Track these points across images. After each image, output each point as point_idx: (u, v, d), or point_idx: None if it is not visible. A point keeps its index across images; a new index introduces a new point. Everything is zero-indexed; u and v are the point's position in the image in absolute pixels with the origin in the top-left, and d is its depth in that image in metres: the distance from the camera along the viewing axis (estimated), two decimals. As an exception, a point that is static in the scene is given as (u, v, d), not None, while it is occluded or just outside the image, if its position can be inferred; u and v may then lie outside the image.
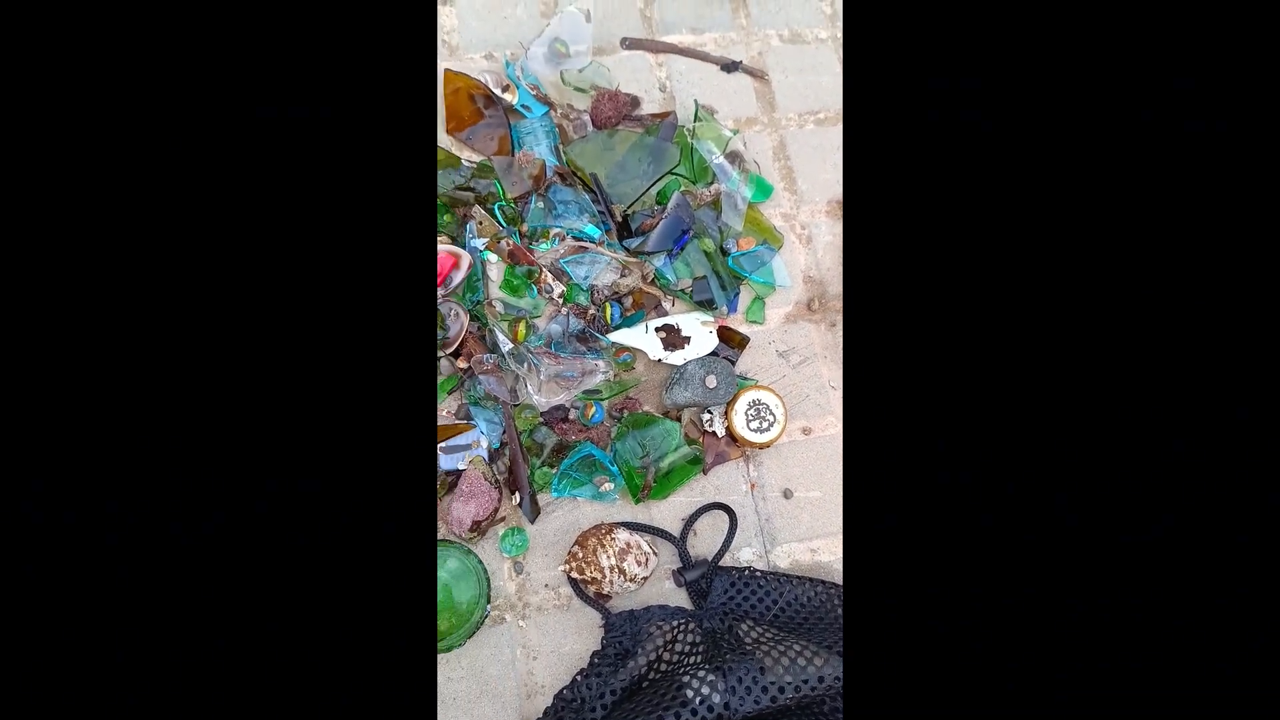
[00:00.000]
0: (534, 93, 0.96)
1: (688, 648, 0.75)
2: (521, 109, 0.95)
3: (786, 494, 0.88)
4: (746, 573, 0.81)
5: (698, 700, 0.67)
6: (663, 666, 0.75)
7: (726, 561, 0.84)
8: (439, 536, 0.79)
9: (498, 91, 0.94)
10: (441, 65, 0.98)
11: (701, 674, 0.69)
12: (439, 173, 0.90)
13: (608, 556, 0.76)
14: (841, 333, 0.95)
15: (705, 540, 0.84)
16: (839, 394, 0.93)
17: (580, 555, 0.77)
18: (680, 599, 0.81)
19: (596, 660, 0.75)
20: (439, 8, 1.01)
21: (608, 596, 0.79)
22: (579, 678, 0.75)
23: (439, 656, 0.76)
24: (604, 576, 0.76)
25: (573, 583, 0.79)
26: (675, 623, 0.77)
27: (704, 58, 1.05)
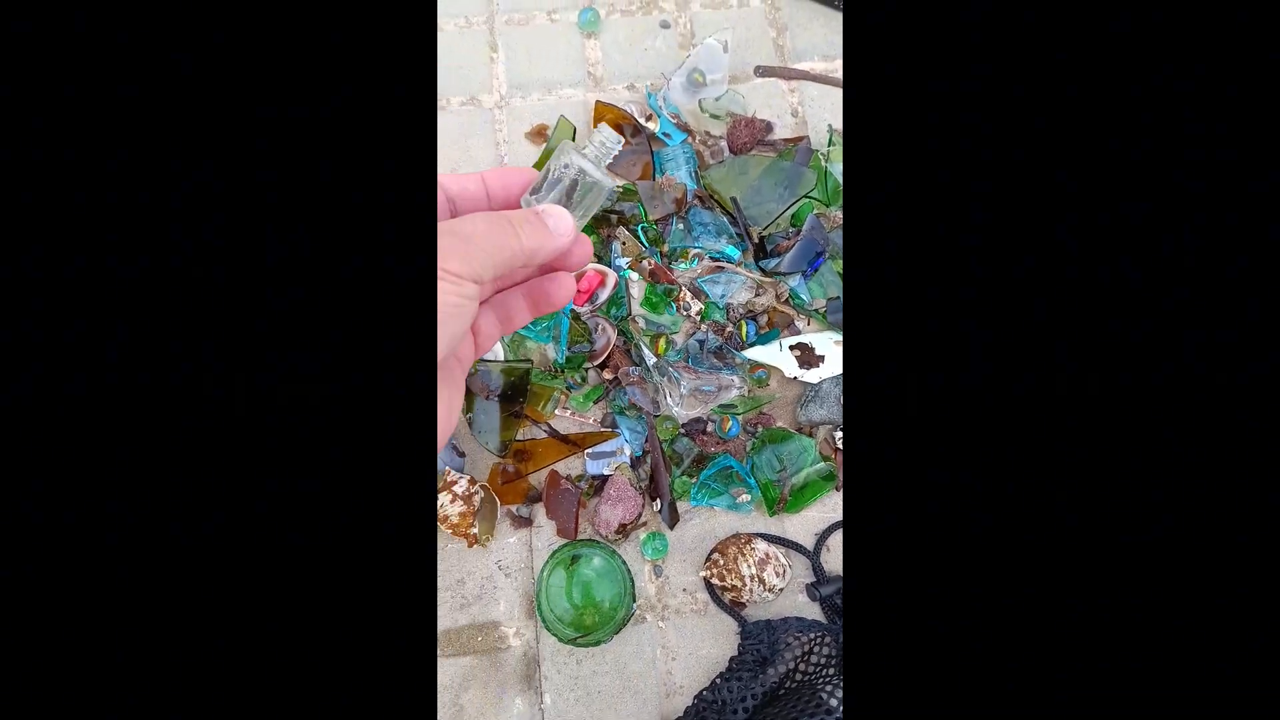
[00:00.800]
0: (674, 121, 1.02)
1: (823, 660, 0.77)
2: (663, 136, 1.00)
3: (920, 514, 0.88)
4: (881, 590, 0.83)
5: (840, 707, 0.69)
6: (799, 676, 0.77)
7: (860, 578, 0.85)
8: (585, 536, 0.85)
9: (642, 120, 1.00)
10: (589, 96, 1.05)
11: (839, 682, 0.71)
12: (588, 197, 0.96)
13: (748, 565, 0.79)
14: (976, 355, 0.95)
15: (838, 556, 0.86)
16: (973, 416, 0.93)
17: (721, 563, 0.80)
18: (814, 612, 0.83)
19: (735, 665, 0.79)
20: (586, 42, 1.08)
21: (744, 605, 0.82)
22: (719, 680, 0.78)
23: (587, 650, 0.81)
24: (744, 585, 0.79)
25: (710, 588, 0.82)
26: (812, 635, 0.79)
27: (835, 83, 1.07)
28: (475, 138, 1.03)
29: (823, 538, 0.86)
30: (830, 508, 0.88)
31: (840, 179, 0.98)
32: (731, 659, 0.80)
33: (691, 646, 0.82)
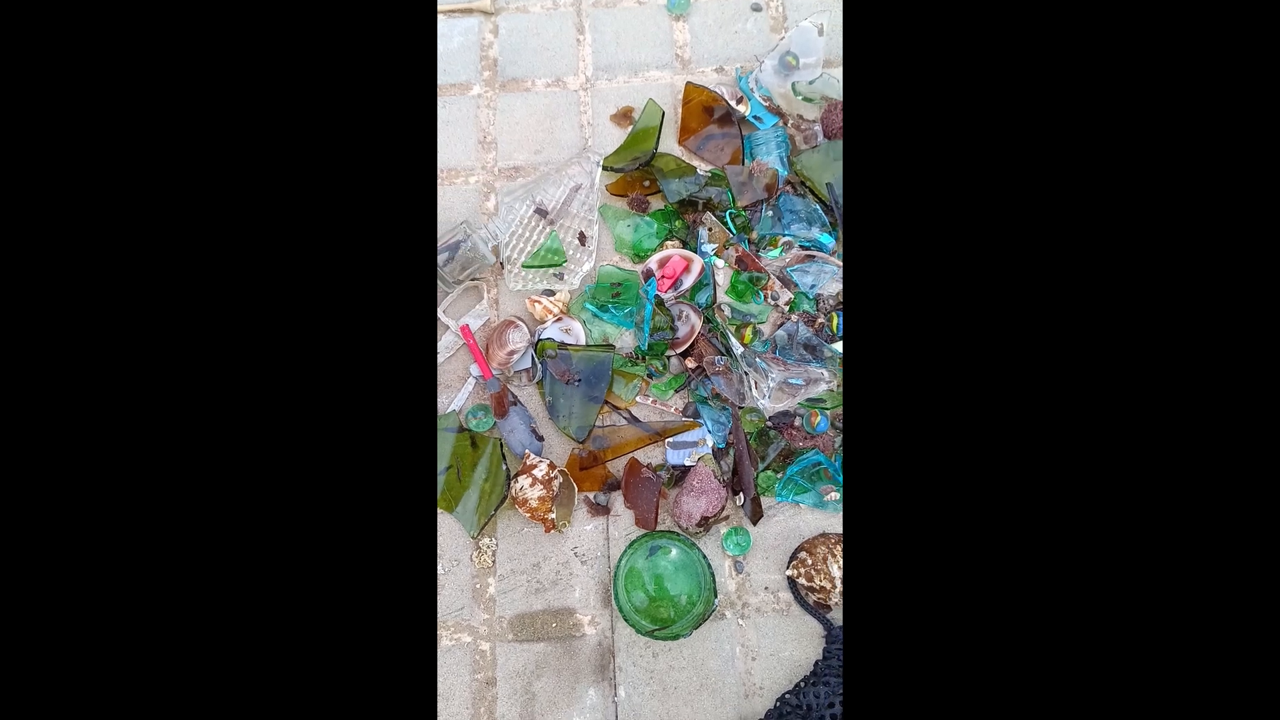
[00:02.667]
0: (765, 104, 0.98)
1: (916, 670, 0.73)
2: (754, 120, 0.97)
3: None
4: (978, 601, 0.78)
5: None
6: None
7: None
8: (665, 527, 0.82)
9: (733, 103, 0.97)
10: (675, 79, 1.03)
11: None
12: (675, 181, 0.94)
13: (839, 567, 0.75)
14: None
15: (930, 562, 0.81)
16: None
17: (810, 562, 0.77)
18: (903, 619, 0.79)
19: (821, 669, 0.75)
20: (674, 24, 1.06)
21: (829, 608, 0.79)
22: (803, 684, 0.74)
23: (664, 644, 0.79)
24: (833, 586, 0.75)
25: (795, 588, 0.79)
26: (904, 643, 0.74)
27: (937, 68, 1.02)
28: (560, 119, 1.02)
29: (915, 542, 0.81)
30: (923, 511, 0.83)
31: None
32: (816, 662, 0.76)
33: (773, 647, 0.79)
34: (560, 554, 0.83)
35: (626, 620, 0.78)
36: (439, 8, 1.07)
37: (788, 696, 0.74)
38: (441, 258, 0.89)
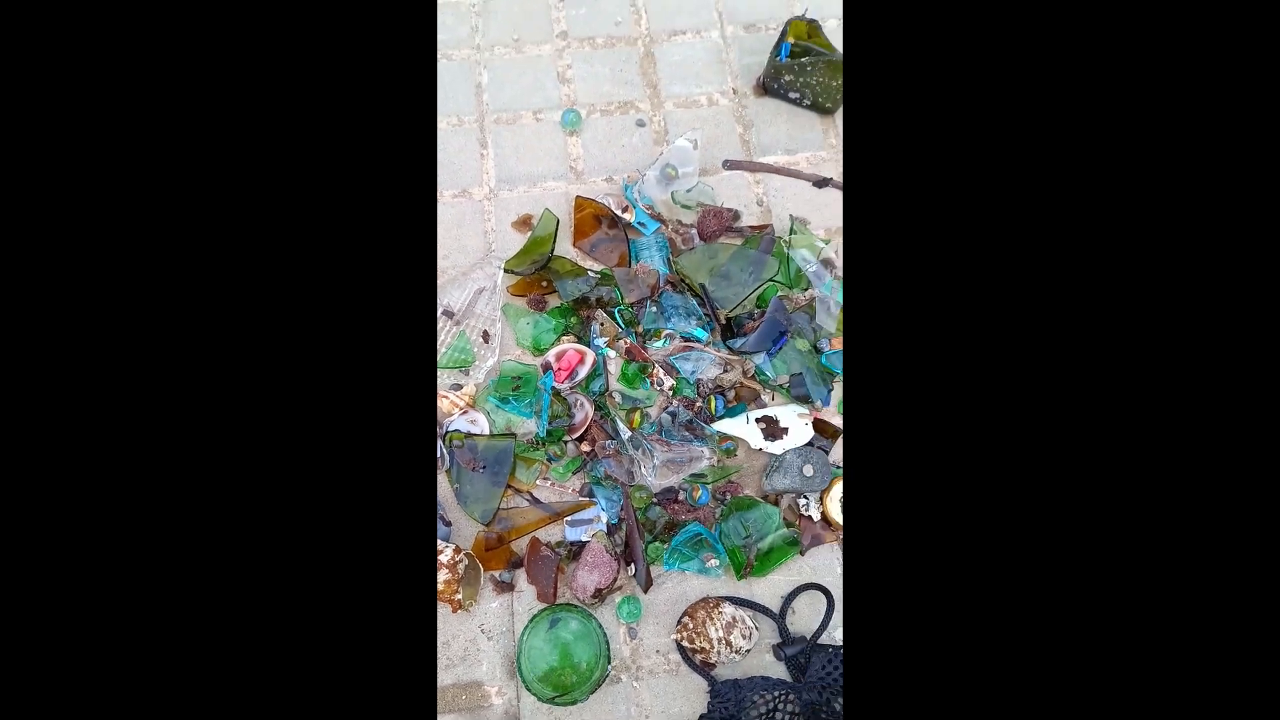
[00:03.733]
0: (648, 211, 1.12)
1: (788, 718, 0.82)
2: (638, 225, 1.10)
3: (878, 576, 0.94)
4: (841, 651, 0.88)
5: (800, 767, 0.74)
6: (765, 734, 0.82)
7: (824, 640, 0.90)
8: (564, 600, 0.90)
9: (619, 212, 1.10)
10: (570, 189, 1.15)
11: (802, 743, 0.76)
12: (570, 281, 1.05)
13: (716, 629, 0.85)
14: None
15: (803, 618, 0.92)
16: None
17: (691, 626, 0.86)
18: (780, 672, 0.88)
19: (704, 724, 0.83)
20: (568, 139, 1.19)
21: (713, 665, 0.88)
22: (688, 739, 0.83)
23: (565, 709, 0.86)
24: (712, 647, 0.85)
25: (682, 650, 0.88)
26: (776, 693, 0.84)
27: (798, 175, 1.17)
28: (465, 227, 1.12)
29: (788, 600, 0.91)
30: (795, 571, 0.94)
31: (800, 265, 1.07)
32: (701, 716, 0.84)
33: (664, 705, 0.87)
34: (468, 631, 0.90)
35: (529, 689, 0.85)
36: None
37: (675, 751, 0.82)
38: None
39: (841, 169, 1.19)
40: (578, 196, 1.11)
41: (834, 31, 1.29)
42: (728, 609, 0.87)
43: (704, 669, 0.87)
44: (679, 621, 0.88)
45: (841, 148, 1.21)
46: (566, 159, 1.18)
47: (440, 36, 1.26)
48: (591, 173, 1.17)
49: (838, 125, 1.22)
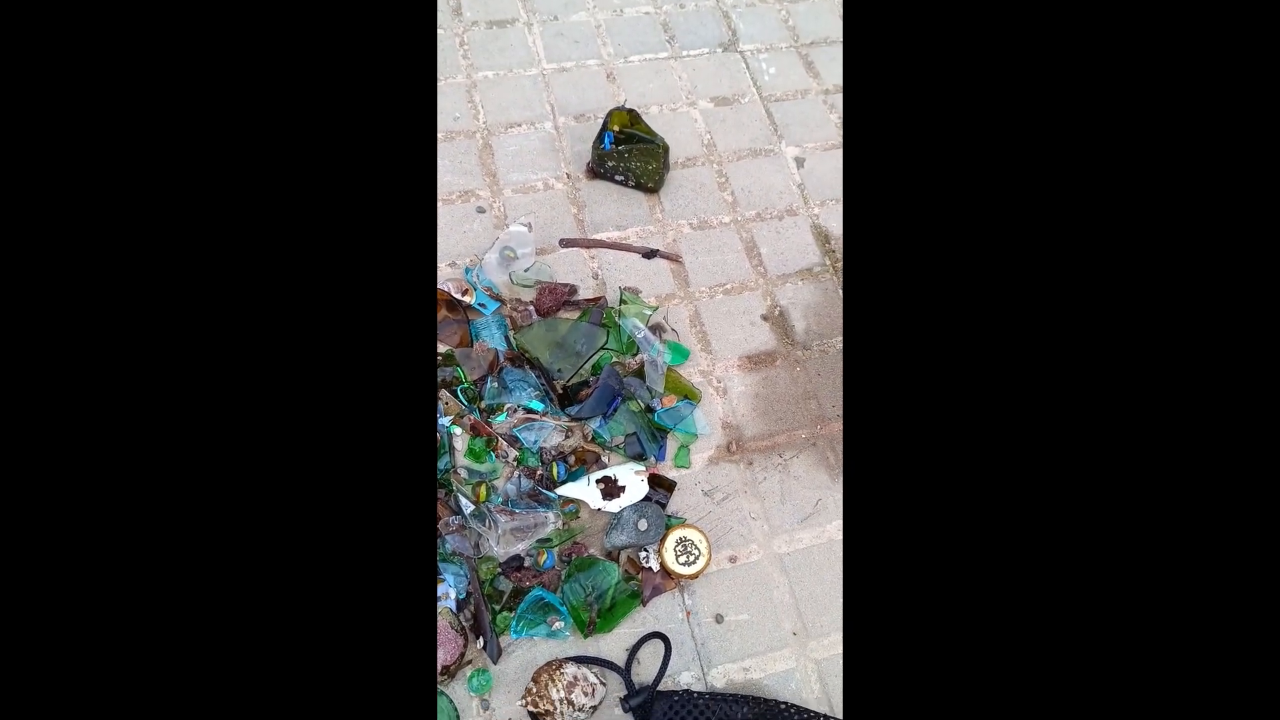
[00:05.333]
0: (488, 293, 1.19)
1: (633, 768, 0.86)
2: (478, 307, 1.17)
3: (718, 619, 1.01)
4: (684, 695, 0.93)
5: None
6: (611, 788, 0.85)
7: (668, 685, 0.95)
8: (415, 682, 0.92)
9: (458, 295, 1.16)
10: (413, 276, 1.21)
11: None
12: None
13: (557, 690, 0.89)
14: (757, 470, 1.12)
15: (649, 667, 0.97)
16: (759, 523, 1.08)
17: (534, 690, 0.89)
18: (628, 723, 0.92)
19: (553, 786, 0.86)
20: (411, 229, 1.25)
21: (563, 726, 0.91)
22: (537, 804, 0.85)
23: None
24: (555, 709, 0.88)
25: (531, 716, 0.91)
26: (620, 746, 0.88)
27: (628, 248, 1.28)
28: (311, 320, 1.16)
29: (632, 652, 0.96)
30: (639, 623, 0.99)
31: (630, 331, 1.16)
32: (550, 781, 0.87)
33: (517, 775, 0.89)
34: None
35: (379, 778, 0.86)
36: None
37: (525, 818, 0.84)
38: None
39: (667, 242, 1.30)
40: (416, 284, 1.17)
41: (654, 118, 1.42)
42: (569, 669, 0.91)
43: (554, 731, 0.90)
44: (525, 688, 0.91)
45: (667, 221, 1.32)
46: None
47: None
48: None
49: (662, 201, 1.34)
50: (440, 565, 0.98)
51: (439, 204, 1.29)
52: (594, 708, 0.91)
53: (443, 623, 0.93)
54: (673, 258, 1.28)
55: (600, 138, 1.30)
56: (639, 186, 1.33)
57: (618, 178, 1.32)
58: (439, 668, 0.91)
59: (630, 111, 1.33)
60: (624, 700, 0.93)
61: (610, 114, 1.32)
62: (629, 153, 1.28)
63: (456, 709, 0.90)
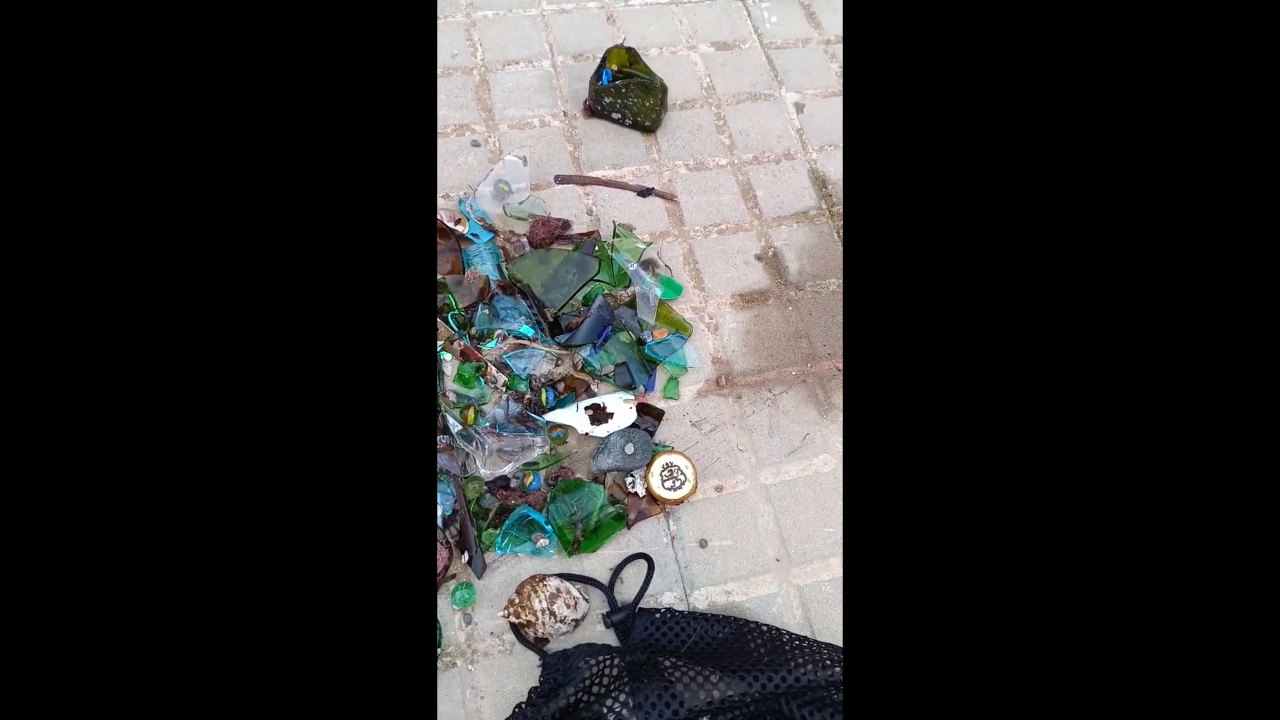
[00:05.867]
0: (481, 224, 1.18)
1: (611, 681, 0.87)
2: (471, 236, 1.17)
3: (702, 544, 1.01)
4: (665, 613, 0.94)
5: (612, 716, 0.79)
6: (591, 695, 0.86)
7: (650, 605, 0.96)
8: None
9: (450, 224, 1.16)
10: (407, 205, 1.21)
11: (622, 697, 0.81)
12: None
13: (540, 600, 0.89)
14: (745, 404, 1.12)
15: (632, 587, 0.97)
16: (747, 456, 1.08)
17: (517, 601, 0.90)
18: (611, 640, 0.93)
19: (533, 695, 0.87)
20: (405, 161, 1.25)
21: (545, 640, 0.92)
22: (517, 710, 0.86)
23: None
24: (537, 619, 0.89)
25: (513, 628, 0.91)
26: (601, 658, 0.88)
27: (623, 186, 1.27)
28: (303, 245, 1.15)
29: (616, 571, 0.97)
30: (624, 545, 1.00)
31: (624, 265, 1.16)
32: (530, 690, 0.88)
33: (499, 684, 0.90)
34: (301, 633, 0.91)
35: (362, 683, 0.87)
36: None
37: (504, 723, 0.85)
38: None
39: (663, 182, 1.30)
40: (409, 211, 1.16)
41: (654, 60, 1.41)
42: (552, 582, 0.91)
43: (536, 644, 0.91)
44: (508, 600, 0.92)
45: (663, 161, 1.32)
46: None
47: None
48: (427, 190, 1.23)
49: (659, 141, 1.34)
50: (427, 483, 0.99)
51: (438, 137, 1.28)
52: (576, 621, 0.91)
53: (428, 535, 0.94)
54: (668, 197, 1.28)
55: (598, 74, 1.30)
56: (636, 125, 1.32)
57: (614, 115, 1.32)
58: (423, 579, 0.91)
59: (629, 50, 1.32)
60: (606, 616, 0.94)
61: (609, 52, 1.31)
62: (626, 88, 1.27)
63: (440, 622, 0.91)
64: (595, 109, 1.33)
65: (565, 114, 1.34)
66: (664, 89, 1.32)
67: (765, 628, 0.94)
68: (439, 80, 1.34)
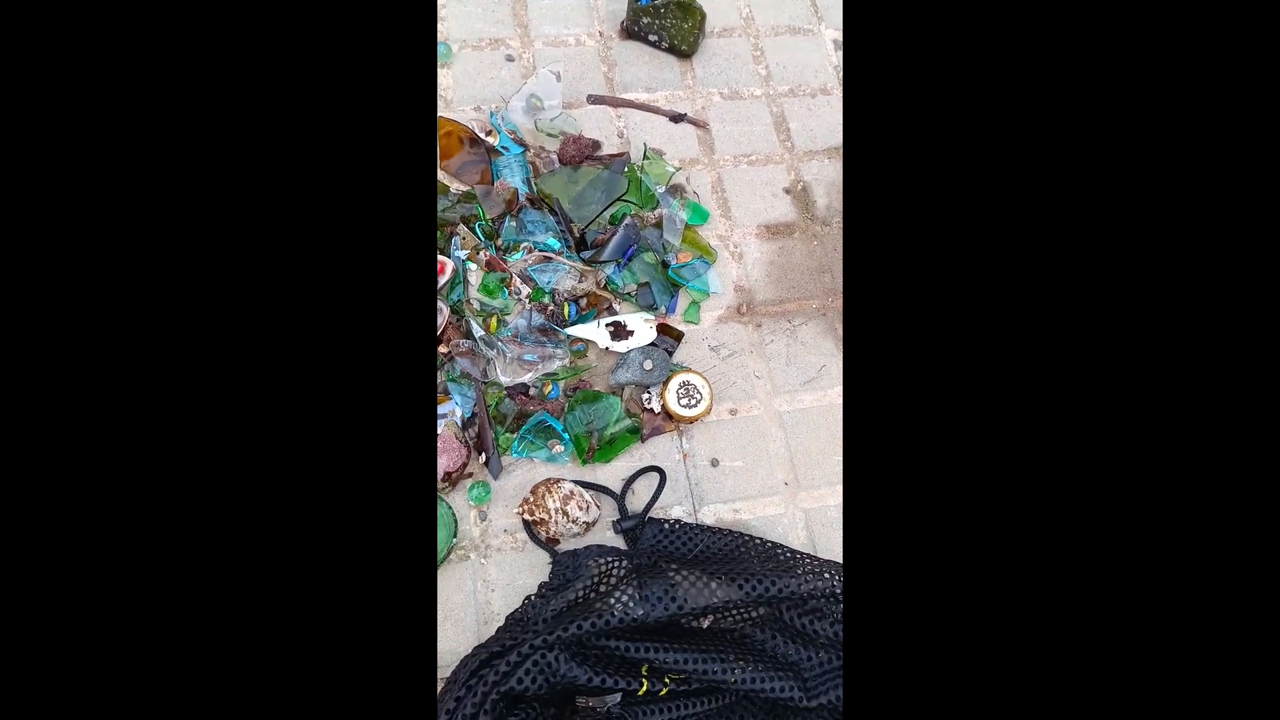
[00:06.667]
0: (512, 137, 1.18)
1: (617, 580, 0.90)
2: (501, 149, 1.16)
3: (714, 463, 1.03)
4: (673, 524, 0.96)
5: (618, 608, 0.82)
6: (597, 592, 0.89)
7: (659, 515, 0.98)
8: (417, 487, 0.95)
9: (481, 135, 1.16)
10: (440, 115, 1.20)
11: (630, 591, 0.84)
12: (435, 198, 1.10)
13: (554, 501, 0.92)
14: (765, 333, 1.13)
15: (643, 498, 0.99)
16: (762, 382, 1.09)
17: (531, 500, 0.92)
18: (620, 545, 0.96)
19: (543, 589, 0.90)
20: (440, 72, 1.24)
21: (556, 540, 0.94)
22: (527, 600, 0.89)
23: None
24: (550, 518, 0.91)
25: (526, 525, 0.94)
26: (608, 559, 0.91)
27: (656, 110, 1.26)
28: (334, 148, 1.15)
29: (628, 482, 0.99)
30: (637, 458, 1.02)
31: (652, 187, 1.15)
32: (540, 584, 0.91)
33: (509, 578, 0.93)
34: (321, 517, 0.94)
35: (378, 567, 0.90)
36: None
37: (514, 612, 0.88)
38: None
39: (696, 109, 1.28)
40: (444, 119, 1.16)
41: (694, -17, 1.38)
42: (566, 484, 0.94)
43: (548, 544, 0.94)
44: (522, 498, 0.94)
45: (697, 88, 1.30)
46: (439, 89, 1.23)
47: (313, -31, 1.28)
48: (460, 102, 1.22)
49: (694, 68, 1.32)
50: (449, 385, 1.01)
51: (469, 50, 1.27)
52: (587, 524, 0.94)
53: (447, 433, 0.96)
54: (700, 124, 1.27)
55: (637, -6, 1.27)
56: (672, 49, 1.30)
57: (651, 37, 1.30)
58: (441, 474, 0.94)
59: (670, -29, 1.29)
60: (616, 523, 0.96)
61: (649, -29, 1.28)
62: (665, 8, 1.25)
63: (455, 516, 0.94)
64: (632, 30, 1.30)
65: (601, 34, 1.32)
66: (703, 14, 1.29)
67: (769, 543, 0.96)
68: (475, -8, 1.32)
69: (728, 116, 1.29)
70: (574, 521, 0.92)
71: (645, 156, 1.18)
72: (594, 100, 1.25)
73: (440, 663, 0.88)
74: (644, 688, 0.80)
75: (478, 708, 0.75)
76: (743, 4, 1.41)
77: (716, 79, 1.32)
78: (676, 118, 1.26)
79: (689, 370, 1.05)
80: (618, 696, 0.79)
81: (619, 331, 1.05)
